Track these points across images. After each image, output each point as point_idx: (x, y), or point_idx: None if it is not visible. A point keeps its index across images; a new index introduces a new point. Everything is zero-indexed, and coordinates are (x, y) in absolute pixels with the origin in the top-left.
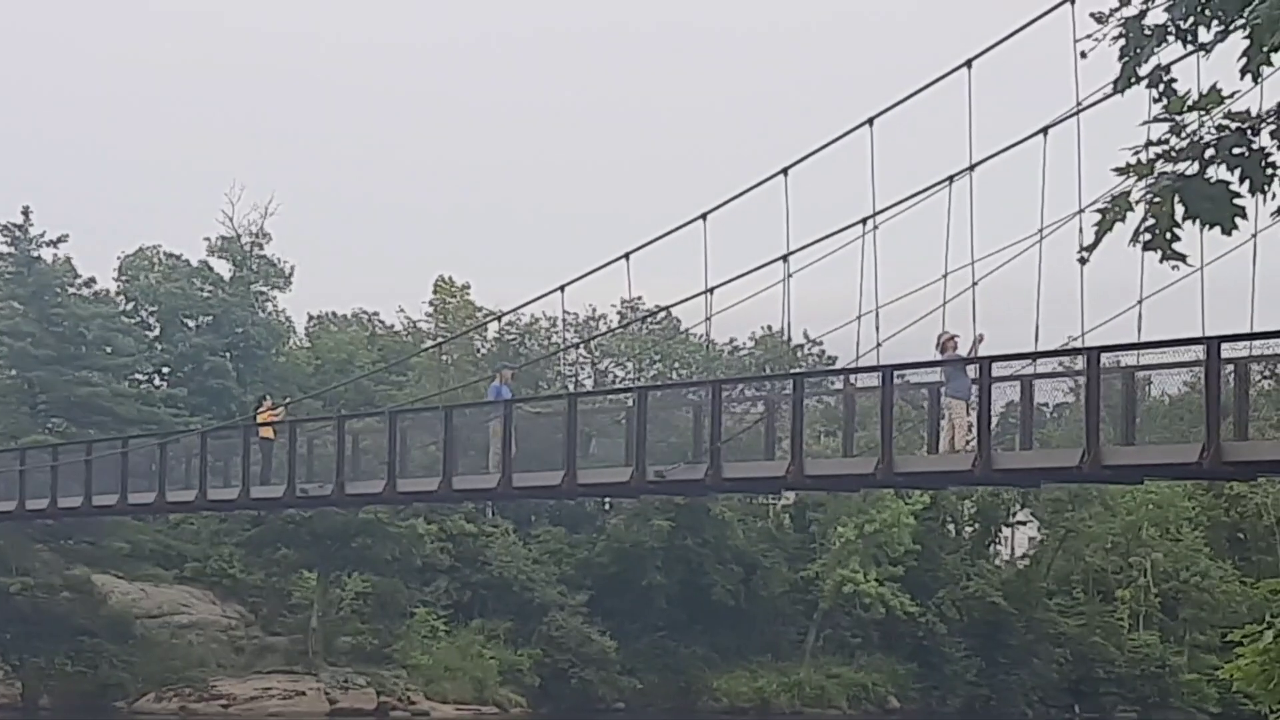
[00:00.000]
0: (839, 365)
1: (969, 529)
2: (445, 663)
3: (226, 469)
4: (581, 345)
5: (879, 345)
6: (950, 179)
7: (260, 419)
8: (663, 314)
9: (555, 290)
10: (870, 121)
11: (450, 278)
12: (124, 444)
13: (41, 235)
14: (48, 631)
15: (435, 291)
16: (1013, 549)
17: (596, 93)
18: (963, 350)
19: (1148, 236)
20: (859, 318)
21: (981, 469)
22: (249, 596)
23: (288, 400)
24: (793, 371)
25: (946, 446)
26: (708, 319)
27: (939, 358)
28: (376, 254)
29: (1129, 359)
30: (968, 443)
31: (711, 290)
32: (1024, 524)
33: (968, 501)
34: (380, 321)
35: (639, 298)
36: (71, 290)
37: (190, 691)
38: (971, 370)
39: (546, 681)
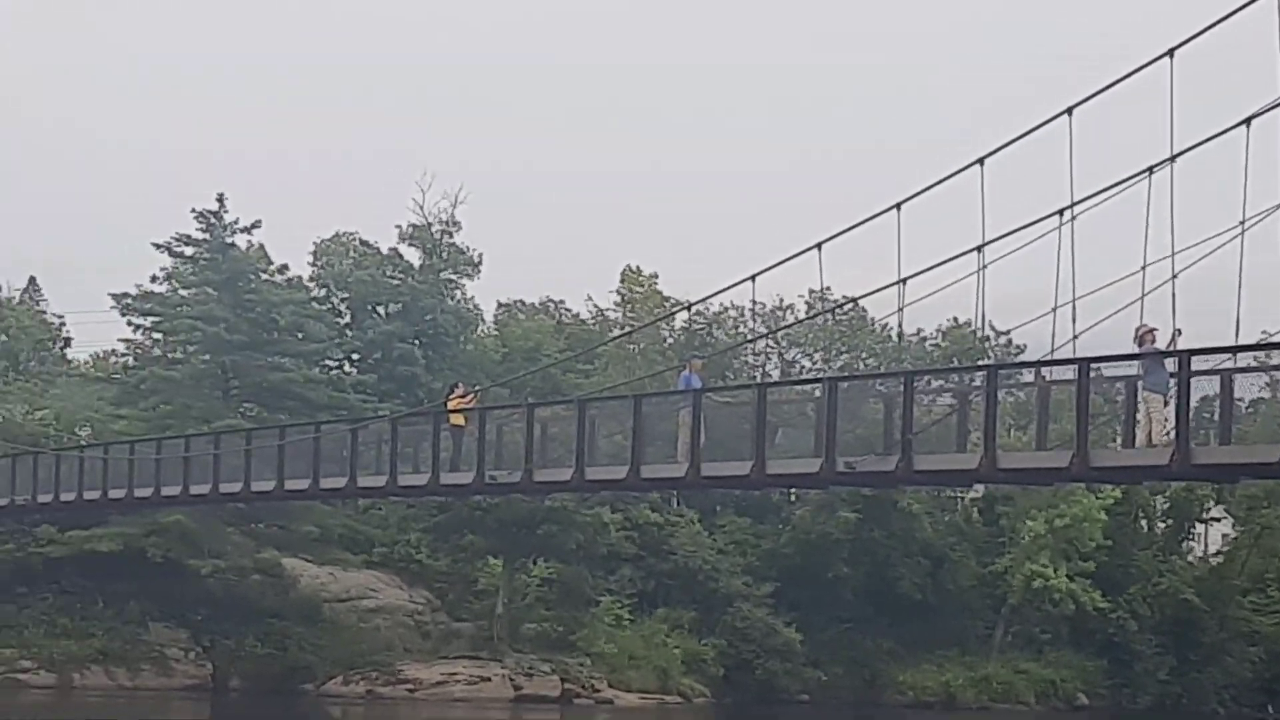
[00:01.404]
0: (1028, 357)
1: (1162, 525)
2: (629, 651)
3: (416, 455)
4: (769, 336)
5: (1075, 338)
6: (1150, 170)
7: (450, 406)
8: (850, 304)
9: (746, 280)
10: (1069, 111)
11: (638, 267)
12: (316, 429)
13: (235, 222)
14: (238, 614)
15: (623, 281)
16: (1206, 545)
17: (790, 80)
18: (1161, 344)
19: None
20: (1054, 310)
21: (1179, 464)
22: (435, 582)
23: (478, 388)
24: (988, 363)
25: (1144, 440)
26: (900, 310)
27: (1137, 351)
28: (565, 243)
29: None
30: (1166, 435)
31: (904, 281)
32: (1218, 520)
33: (1160, 497)
34: (567, 310)
35: (828, 288)
36: (264, 276)
37: (377, 675)
38: (1170, 364)
39: (730, 672)
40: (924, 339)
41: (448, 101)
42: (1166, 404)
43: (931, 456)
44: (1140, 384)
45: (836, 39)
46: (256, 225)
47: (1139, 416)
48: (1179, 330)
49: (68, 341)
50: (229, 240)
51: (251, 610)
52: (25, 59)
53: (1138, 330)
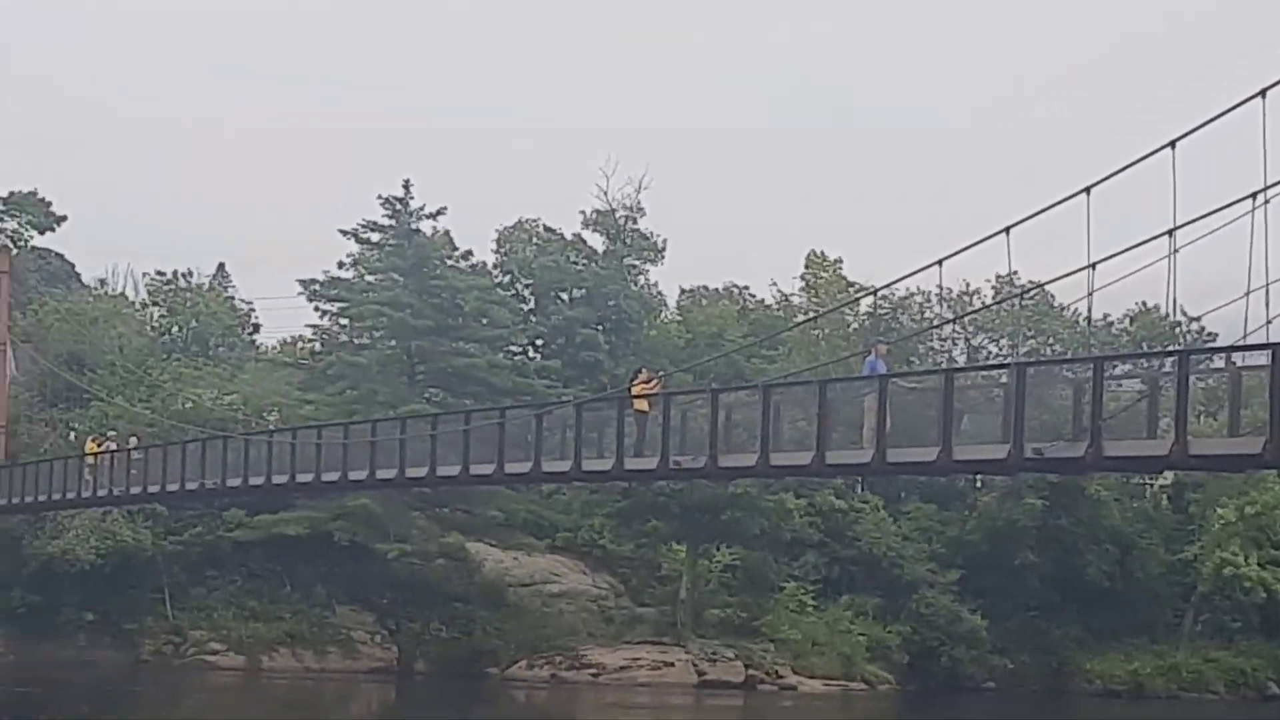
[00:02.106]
0: (1220, 343)
1: None
2: (813, 637)
3: (600, 440)
4: (956, 320)
5: (1268, 323)
6: None
7: (634, 391)
8: (1036, 289)
9: (932, 265)
10: (1263, 93)
11: (823, 252)
12: (500, 414)
13: (421, 208)
14: (423, 597)
15: (807, 266)
16: None
17: (974, 61)
18: None
19: None
20: (1247, 294)
21: None
22: (619, 567)
23: (661, 373)
24: (1177, 348)
25: None
26: (1089, 295)
27: None
28: (748, 228)
29: None
30: None
31: (1094, 265)
32: None
33: None
34: (751, 295)
35: (1015, 273)
36: (449, 262)
37: (560, 660)
38: None
39: (915, 659)
40: (1111, 324)
41: (632, 85)
42: None
43: (1121, 443)
44: None
45: (1022, 28)
46: (441, 212)
47: None
48: None
49: (256, 327)
50: (414, 226)
51: (436, 594)
52: (216, 50)
53: None
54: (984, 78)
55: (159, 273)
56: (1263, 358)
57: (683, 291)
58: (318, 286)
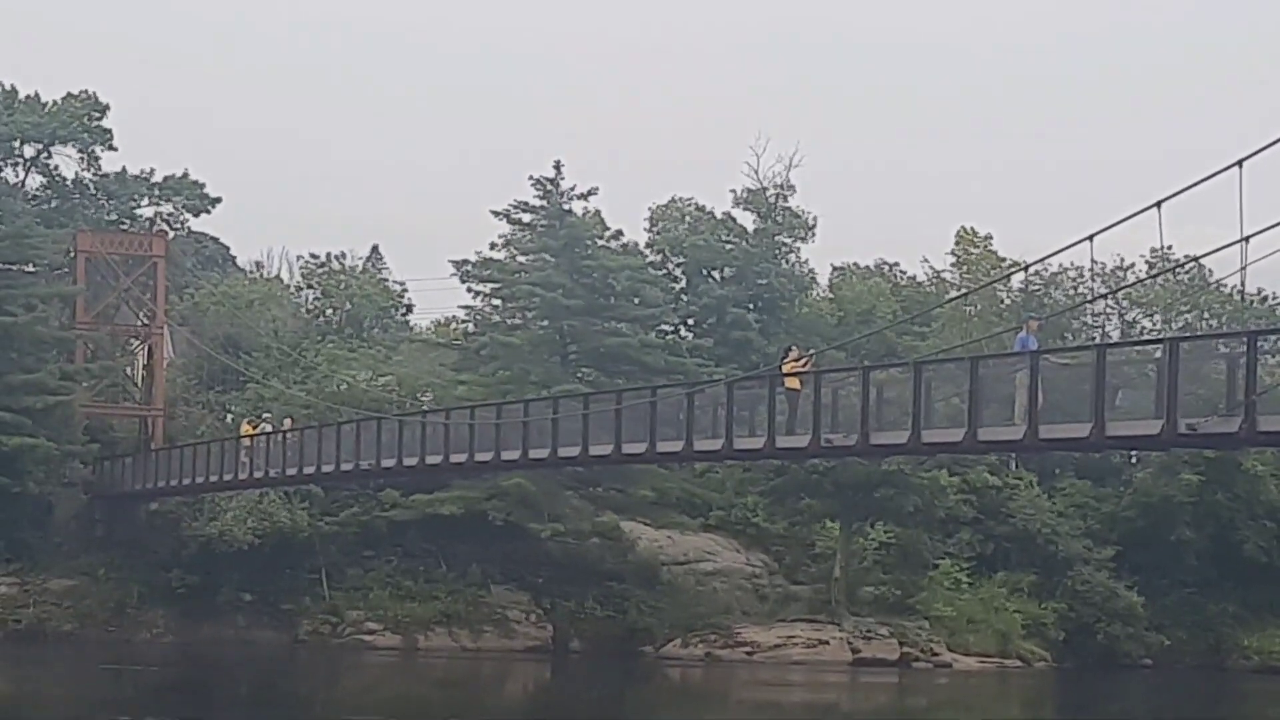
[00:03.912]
0: None
1: None
2: (968, 615)
3: (751, 419)
4: (1108, 295)
5: None
6: None
7: (785, 369)
8: (1191, 264)
9: (1083, 240)
10: None
11: (972, 228)
12: (652, 393)
13: (572, 188)
14: (577, 576)
15: (958, 242)
16: None
17: (1123, 36)
18: None
19: None
20: None
21: None
22: (772, 545)
23: (812, 351)
24: None
25: None
26: (1242, 269)
27: None
28: (899, 204)
29: None
30: None
31: (1247, 239)
32: None
33: None
34: (902, 272)
35: (1169, 247)
36: (601, 242)
37: (715, 638)
38: None
39: (1071, 636)
40: (1266, 299)
41: (781, 64)
42: None
43: (1276, 417)
44: None
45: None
46: (593, 192)
47: None
48: None
49: (409, 308)
50: (566, 207)
51: (591, 573)
52: (369, 28)
53: None
54: (1137, 51)
55: (313, 255)
56: None
57: (834, 269)
58: (470, 267)
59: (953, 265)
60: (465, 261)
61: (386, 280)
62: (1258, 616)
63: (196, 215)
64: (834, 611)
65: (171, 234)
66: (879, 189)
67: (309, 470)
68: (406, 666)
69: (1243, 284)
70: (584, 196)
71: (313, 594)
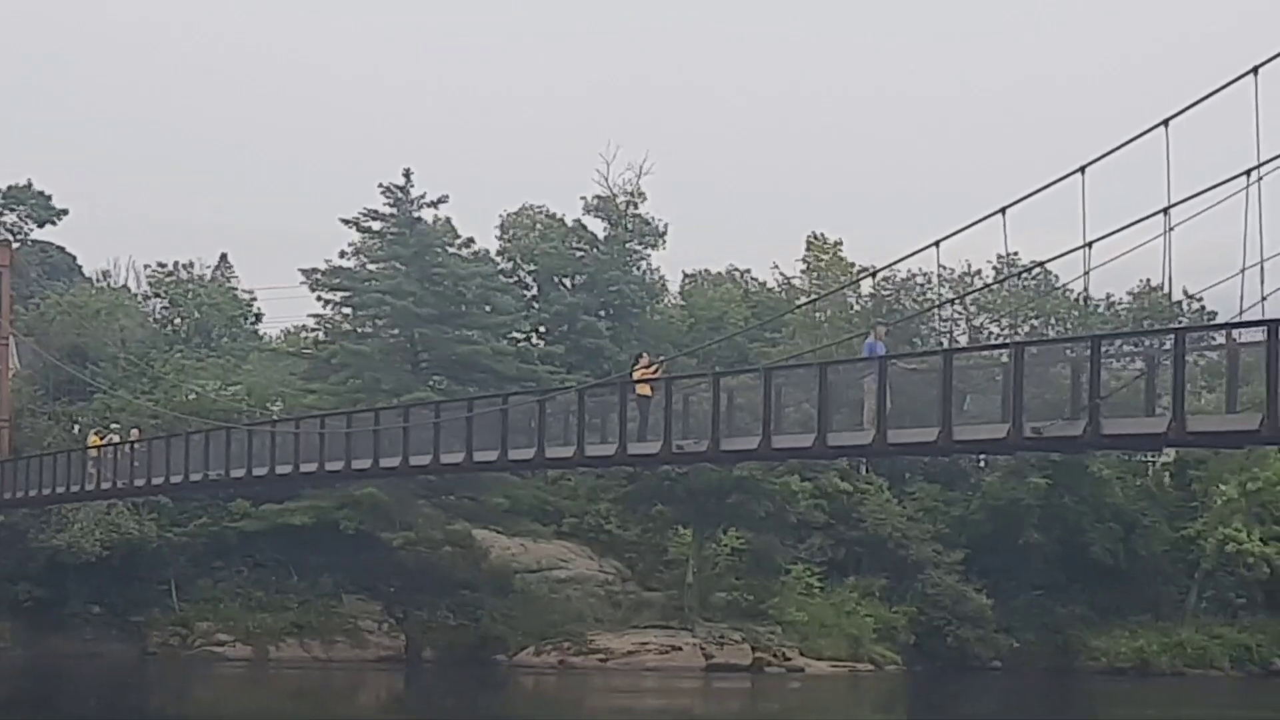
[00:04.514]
0: (1220, 320)
1: None
2: (820, 619)
3: (603, 425)
4: (956, 301)
5: (1264, 299)
6: None
7: (636, 376)
8: (1038, 269)
9: (930, 246)
10: (1255, 70)
11: (822, 234)
12: (504, 401)
13: (422, 196)
14: (430, 585)
15: (808, 248)
16: None
17: (972, 44)
18: None
19: None
20: (1243, 271)
21: None
22: (625, 552)
23: (663, 357)
24: (1174, 326)
25: None
26: (1085, 274)
27: None
28: (749, 211)
29: None
30: None
31: (1090, 244)
32: None
33: None
34: (753, 279)
35: (1015, 253)
36: (451, 250)
37: (569, 645)
38: None
39: (921, 639)
40: (1113, 303)
41: (630, 73)
42: None
43: (1119, 420)
44: None
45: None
46: (443, 200)
47: None
48: None
49: (259, 317)
50: (416, 214)
51: (443, 582)
52: (216, 33)
53: None
54: (980, 59)
55: (160, 264)
56: (1259, 334)
57: (685, 276)
58: (320, 276)
59: (803, 271)
60: (315, 270)
61: (235, 289)
62: (1104, 618)
63: (41, 225)
64: (687, 617)
65: (15, 244)
66: (730, 196)
67: (157, 481)
68: (257, 678)
69: (1086, 289)
70: (434, 204)
71: (162, 606)
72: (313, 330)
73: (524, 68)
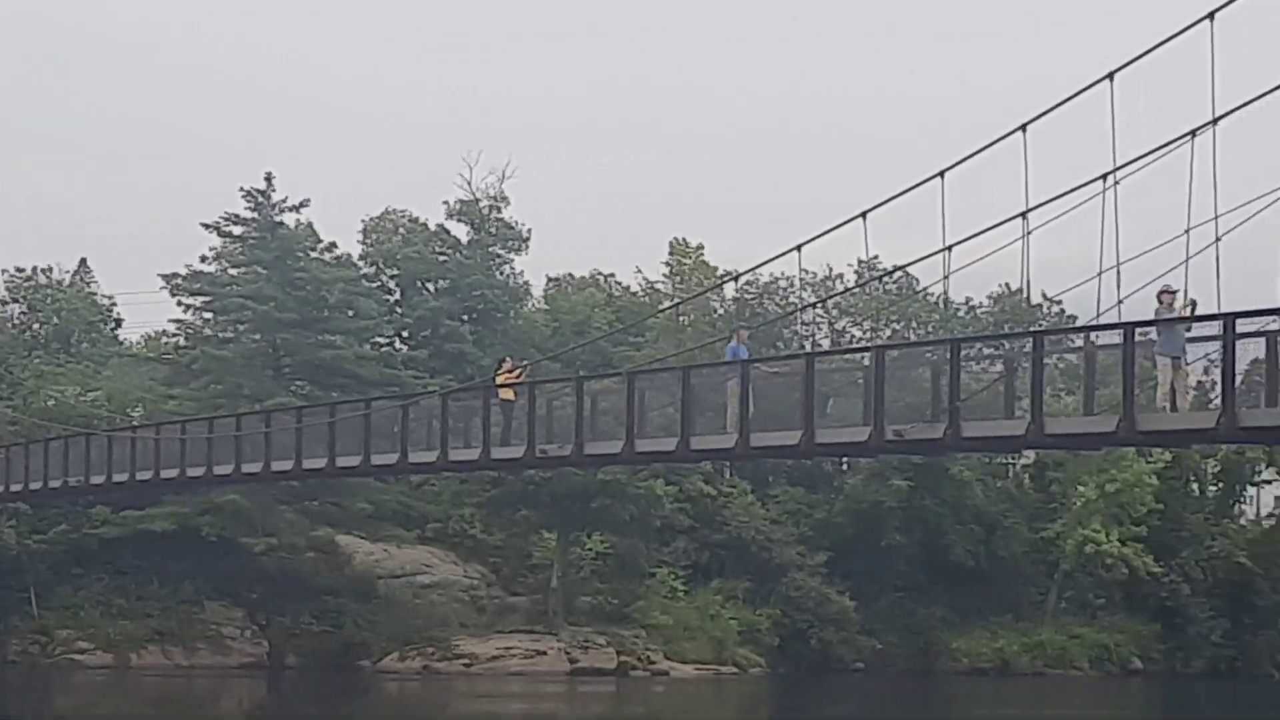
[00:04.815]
0: (1079, 323)
1: (1212, 488)
2: (685, 623)
3: (467, 430)
4: (818, 305)
5: (1120, 302)
6: (1193, 133)
7: (499, 380)
8: (899, 273)
9: (792, 250)
10: (1110, 76)
11: (684, 239)
12: (367, 406)
13: (284, 200)
14: (293, 591)
15: (670, 252)
16: (1258, 508)
17: (827, 49)
18: (1178, 308)
19: None
20: (1099, 275)
21: (1225, 427)
22: (490, 557)
23: (526, 362)
24: (1032, 329)
25: (1163, 404)
26: (945, 277)
27: (1156, 310)
28: (613, 216)
29: None
30: (1175, 401)
31: (949, 248)
32: (1269, 483)
33: (1211, 460)
34: (617, 283)
35: (875, 257)
36: (314, 254)
37: (433, 651)
38: (1213, 328)
39: (785, 641)
40: (973, 307)
41: (494, 76)
42: (1178, 369)
43: (979, 423)
44: (1156, 348)
45: (871, 12)
46: (305, 204)
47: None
48: (1194, 301)
49: (119, 322)
50: (278, 219)
51: (307, 588)
52: (67, 33)
53: (1159, 292)
54: (838, 59)
55: (18, 269)
56: (1116, 337)
57: (549, 280)
58: (180, 280)
59: (666, 276)
60: (175, 274)
61: (95, 294)
62: (965, 619)
63: None
64: (551, 622)
65: None
66: (593, 200)
67: (16, 488)
68: (119, 685)
69: (946, 292)
70: (296, 208)
71: (21, 613)
72: (174, 335)
73: (386, 69)
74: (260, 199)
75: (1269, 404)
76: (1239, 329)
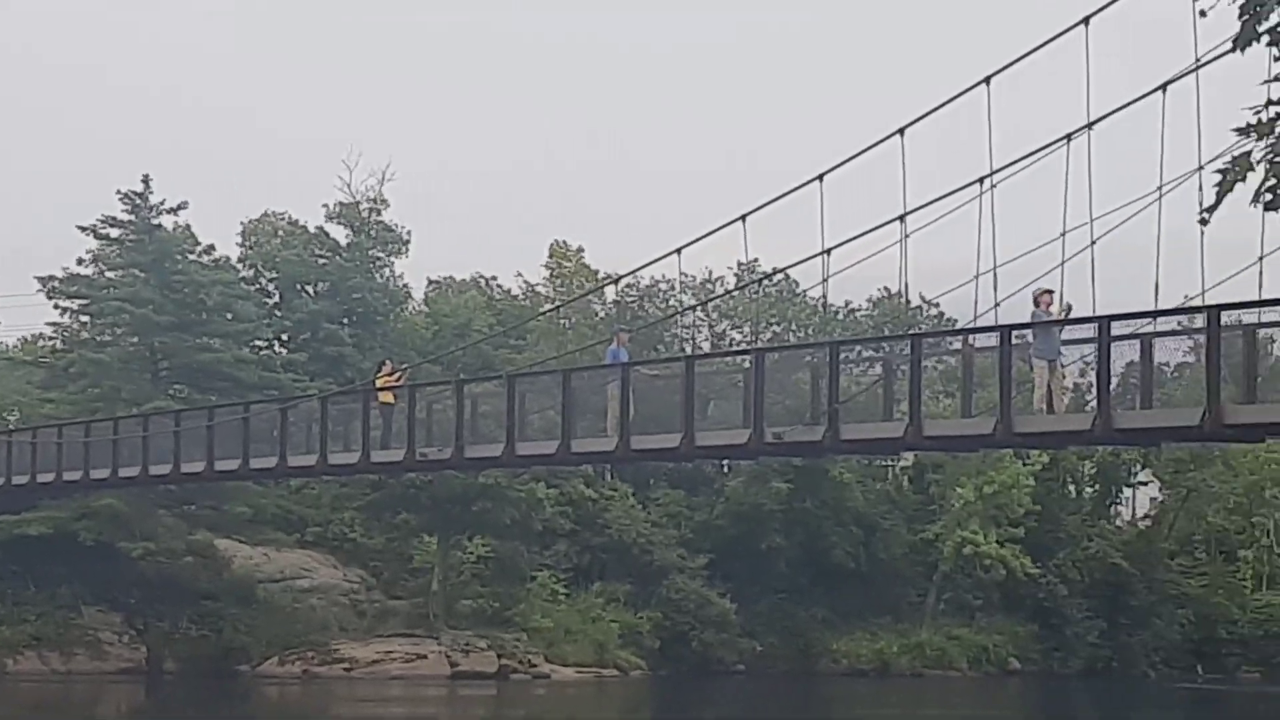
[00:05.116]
0: (957, 326)
1: (1089, 490)
2: (566, 626)
3: (347, 434)
4: (698, 308)
5: (996, 305)
6: (1068, 137)
7: (379, 384)
8: (780, 276)
9: (672, 253)
10: (987, 80)
11: (565, 242)
12: (245, 409)
13: (161, 203)
14: (171, 596)
15: (551, 255)
16: (1134, 510)
17: (708, 54)
18: (1056, 309)
19: (1269, 197)
20: (976, 278)
21: (1101, 428)
22: (370, 560)
23: (406, 365)
24: (910, 332)
25: (1040, 406)
26: (824, 280)
27: (1032, 313)
28: (494, 218)
29: (1250, 317)
30: (1064, 402)
31: (828, 252)
32: (1145, 484)
33: (1087, 462)
34: (498, 286)
35: (755, 260)
36: (192, 257)
37: (313, 655)
38: (1088, 330)
39: (666, 644)
40: (853, 310)
41: (374, 76)
42: (1053, 371)
43: (858, 425)
44: (1032, 350)
45: (751, 7)
46: (183, 206)
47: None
48: (1070, 305)
49: None
50: (155, 222)
51: (185, 592)
52: None
53: (1034, 293)
54: (718, 65)
55: None
56: (993, 339)
57: (429, 283)
58: (57, 283)
59: (547, 279)
60: (52, 277)
61: None
62: (846, 621)
63: None
64: (432, 625)
65: None
66: (474, 202)
67: None
68: None
69: (825, 295)
70: (174, 211)
71: None
72: (50, 339)
73: (266, 71)
74: (138, 202)
75: (1144, 406)
76: (1114, 331)
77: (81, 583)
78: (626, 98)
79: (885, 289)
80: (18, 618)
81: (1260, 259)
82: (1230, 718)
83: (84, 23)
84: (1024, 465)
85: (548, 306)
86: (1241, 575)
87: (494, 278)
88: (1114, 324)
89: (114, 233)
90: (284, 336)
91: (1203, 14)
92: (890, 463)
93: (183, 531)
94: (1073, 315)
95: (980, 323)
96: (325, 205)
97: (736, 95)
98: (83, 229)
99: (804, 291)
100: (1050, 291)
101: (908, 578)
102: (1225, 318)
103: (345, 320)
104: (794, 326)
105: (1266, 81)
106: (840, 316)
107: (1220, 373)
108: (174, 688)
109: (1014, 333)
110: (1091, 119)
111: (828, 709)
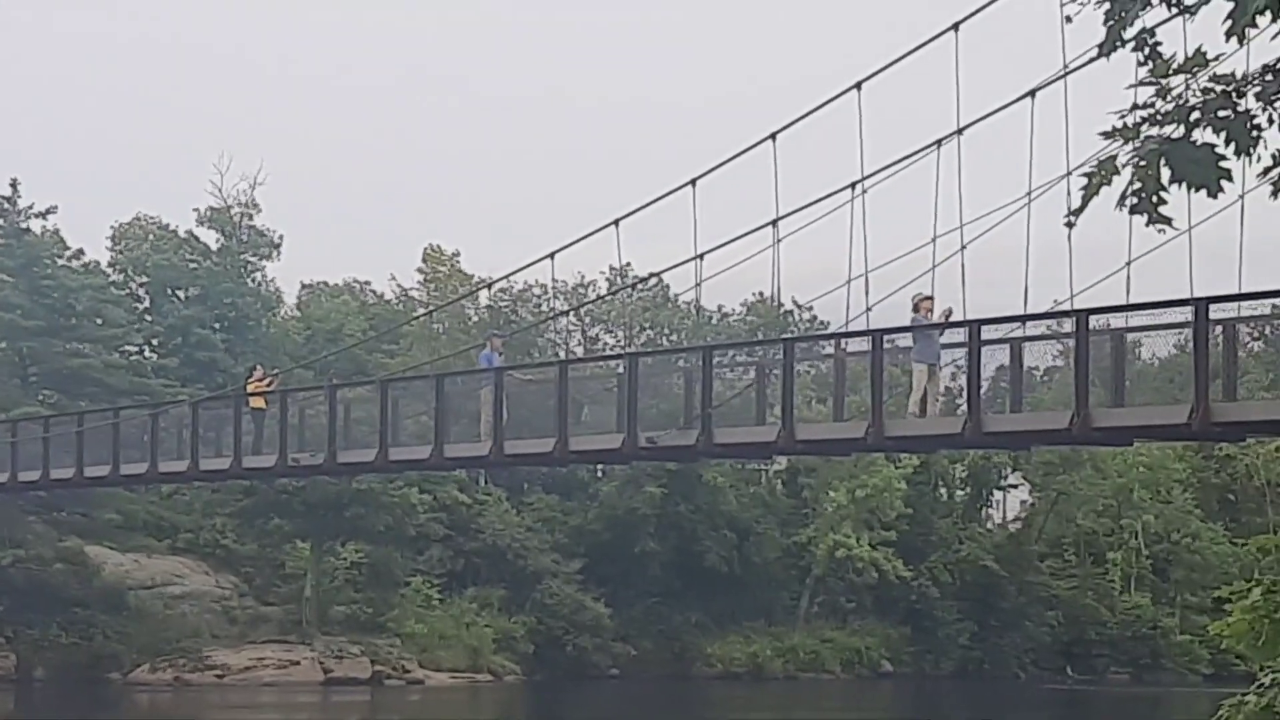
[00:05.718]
0: (830, 330)
1: (960, 493)
2: (439, 631)
3: (218, 439)
4: (572, 312)
5: (869, 310)
6: (938, 143)
7: (250, 389)
8: (653, 280)
9: (545, 258)
10: (858, 86)
11: (439, 246)
12: (115, 415)
13: (30, 207)
14: (41, 603)
15: (425, 260)
16: (1004, 512)
17: (580, 57)
18: (936, 314)
19: (1134, 200)
20: (849, 282)
21: (971, 432)
22: (242, 567)
23: (277, 371)
24: (783, 336)
25: (915, 409)
26: (697, 285)
27: (912, 318)
28: (367, 223)
29: (1118, 321)
30: (938, 405)
31: (701, 256)
32: (1015, 487)
33: (958, 465)
34: (372, 290)
35: (628, 264)
36: (61, 262)
37: (184, 662)
38: (959, 335)
39: (540, 649)
40: (727, 314)
41: (246, 80)
42: (932, 375)
43: (731, 429)
44: (912, 354)
45: (624, 10)
46: (52, 210)
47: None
48: (950, 310)
49: None
50: (23, 225)
51: (55, 599)
52: None
53: (914, 298)
54: (592, 64)
55: None
56: (865, 344)
57: (302, 287)
58: None
59: (421, 283)
60: None
61: None
62: (720, 624)
63: None
64: (305, 632)
65: None
66: (347, 206)
67: None
68: None
69: (698, 300)
70: (43, 215)
71: None
72: None
73: (136, 73)
74: (5, 205)
75: (1013, 409)
76: (984, 336)
77: None
78: (502, 99)
79: (758, 293)
80: None
81: (1128, 263)
82: (1099, 718)
83: None
84: (896, 469)
85: (421, 311)
86: (1110, 577)
87: (368, 282)
88: (984, 328)
89: None
90: (155, 341)
91: (1068, 20)
92: (763, 467)
93: (52, 538)
94: (927, 318)
95: (852, 327)
96: (196, 209)
97: (613, 97)
98: None
99: (677, 296)
100: (930, 297)
101: (781, 581)
102: (1093, 322)
103: (217, 325)
104: (667, 331)
105: (1132, 85)
106: (713, 321)
107: (1089, 376)
108: (44, 695)
109: (886, 337)
110: (962, 125)
111: (702, 712)
